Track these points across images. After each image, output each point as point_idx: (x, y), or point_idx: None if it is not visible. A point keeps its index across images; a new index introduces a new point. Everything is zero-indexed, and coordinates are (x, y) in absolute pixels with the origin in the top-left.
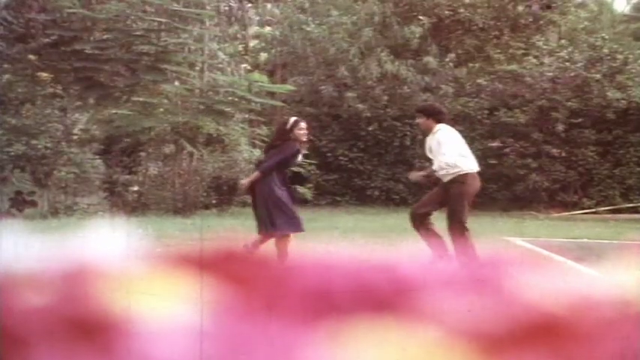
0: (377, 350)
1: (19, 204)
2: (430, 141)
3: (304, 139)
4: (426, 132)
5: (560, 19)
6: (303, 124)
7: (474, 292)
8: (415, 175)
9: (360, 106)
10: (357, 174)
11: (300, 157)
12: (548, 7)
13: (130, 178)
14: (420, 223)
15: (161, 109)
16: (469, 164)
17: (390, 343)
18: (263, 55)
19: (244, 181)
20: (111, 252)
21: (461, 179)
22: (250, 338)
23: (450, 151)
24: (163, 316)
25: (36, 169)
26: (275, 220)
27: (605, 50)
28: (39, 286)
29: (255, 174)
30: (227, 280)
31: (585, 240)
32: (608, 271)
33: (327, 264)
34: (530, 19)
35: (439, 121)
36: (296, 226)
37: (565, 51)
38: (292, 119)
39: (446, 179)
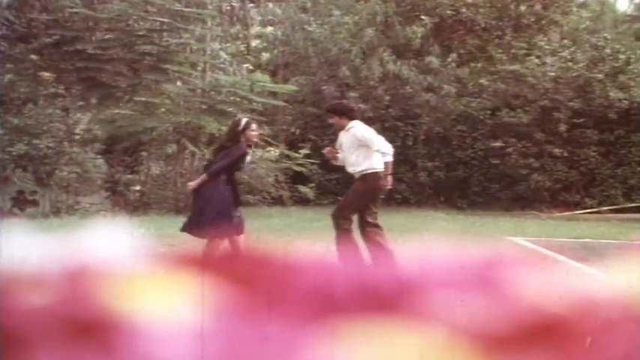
0: (379, 350)
1: (21, 203)
2: (342, 137)
3: (255, 140)
4: (339, 130)
5: (563, 19)
6: (254, 126)
7: (476, 293)
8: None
9: (363, 106)
10: None
11: (247, 159)
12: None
13: (131, 177)
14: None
15: (163, 109)
16: (380, 162)
17: (393, 343)
18: (265, 55)
19: (192, 184)
20: (113, 251)
21: (370, 177)
22: (253, 339)
23: (381, 141)
24: (166, 316)
25: (38, 169)
26: (205, 222)
27: (608, 50)
28: (41, 286)
29: (203, 177)
30: (230, 280)
31: (588, 240)
32: (611, 271)
33: (328, 263)
34: (533, 19)
35: (351, 119)
36: (236, 228)
37: (567, 51)
38: (244, 120)
39: (356, 175)
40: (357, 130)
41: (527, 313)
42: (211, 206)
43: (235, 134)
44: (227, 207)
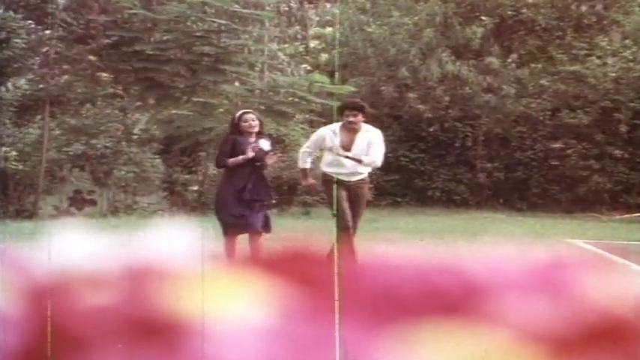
0: (446, 353)
1: (79, 203)
2: (355, 138)
3: (250, 130)
4: (356, 130)
5: (624, 19)
6: (248, 116)
7: (540, 295)
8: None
9: (421, 106)
10: (418, 175)
11: (248, 148)
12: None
13: (189, 177)
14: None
15: (221, 110)
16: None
17: (461, 345)
18: (323, 56)
19: None
20: (172, 251)
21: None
22: (317, 339)
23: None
24: (230, 316)
25: (95, 169)
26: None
27: None
28: (100, 286)
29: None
30: (292, 279)
31: None
32: None
33: (392, 265)
34: (594, 19)
35: (366, 120)
36: (242, 227)
37: (629, 51)
38: (239, 112)
39: (353, 180)
40: (376, 136)
41: (591, 315)
42: (221, 205)
43: (232, 127)
44: (223, 204)
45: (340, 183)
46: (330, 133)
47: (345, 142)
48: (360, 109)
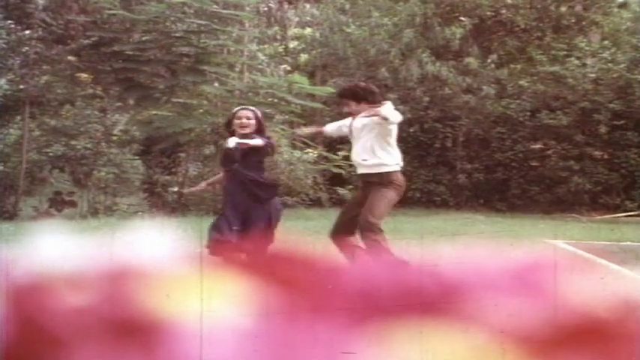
0: (425, 353)
1: (58, 204)
2: (364, 119)
3: (242, 130)
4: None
5: (603, 20)
6: (241, 113)
7: (518, 296)
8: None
9: (401, 107)
10: None
11: (233, 147)
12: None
13: (169, 178)
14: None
15: (201, 110)
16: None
17: (439, 346)
18: (303, 57)
19: None
20: (151, 252)
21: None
22: (295, 341)
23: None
24: (205, 317)
25: (75, 170)
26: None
27: None
28: (79, 287)
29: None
30: (271, 281)
31: (628, 243)
32: None
33: (370, 265)
34: (573, 20)
35: (373, 103)
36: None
37: (608, 52)
38: (235, 109)
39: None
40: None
41: (568, 316)
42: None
43: (227, 125)
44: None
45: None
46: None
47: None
48: (351, 96)
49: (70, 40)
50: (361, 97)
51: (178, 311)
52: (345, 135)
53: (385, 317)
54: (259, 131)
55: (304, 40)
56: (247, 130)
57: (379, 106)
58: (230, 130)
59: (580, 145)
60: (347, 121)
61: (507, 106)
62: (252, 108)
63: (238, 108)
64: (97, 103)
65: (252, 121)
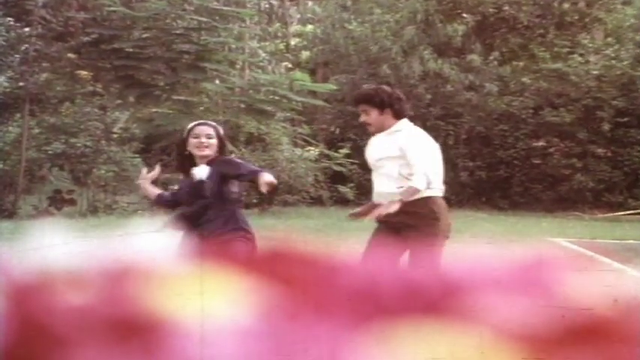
0: (425, 352)
1: (58, 202)
2: (384, 143)
3: (199, 152)
4: (377, 130)
5: (607, 17)
6: (199, 130)
7: (520, 294)
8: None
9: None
10: None
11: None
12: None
13: (170, 176)
14: None
15: (201, 108)
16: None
17: (440, 345)
18: (304, 54)
19: None
20: (152, 250)
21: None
22: (297, 339)
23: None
24: (208, 316)
25: (75, 168)
26: None
27: None
28: (78, 286)
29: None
30: (271, 280)
31: (631, 241)
32: None
33: (370, 264)
34: (576, 17)
35: (398, 116)
36: None
37: (611, 49)
38: (189, 126)
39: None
40: (409, 137)
41: (571, 314)
42: None
43: (180, 146)
44: None
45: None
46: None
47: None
48: (372, 102)
49: (70, 37)
50: (385, 104)
51: (178, 310)
52: None
53: (386, 317)
54: (221, 153)
55: (306, 38)
56: (207, 152)
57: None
58: (182, 152)
59: (583, 142)
60: None
61: (510, 103)
62: (212, 123)
63: (195, 123)
64: (96, 101)
65: (214, 141)
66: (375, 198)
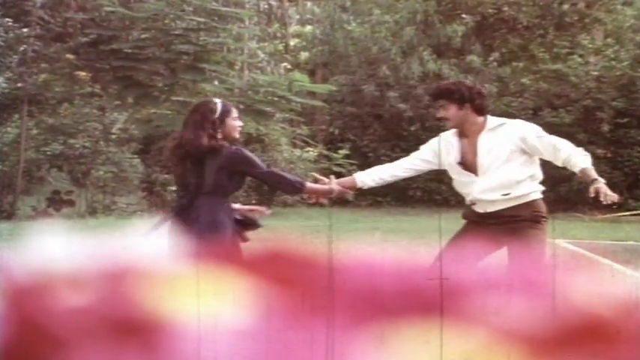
0: (427, 353)
1: (57, 203)
2: (492, 140)
3: (236, 135)
4: (455, 126)
5: (606, 17)
6: (234, 110)
7: (520, 295)
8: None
9: (402, 105)
10: None
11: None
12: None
13: (168, 177)
14: None
15: None
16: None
17: (439, 346)
18: (304, 55)
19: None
20: (151, 251)
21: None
22: (296, 340)
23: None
24: (204, 317)
25: (74, 169)
26: None
27: None
28: (77, 287)
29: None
30: (270, 281)
31: (631, 242)
32: None
33: (369, 265)
34: (576, 18)
35: (479, 112)
36: None
37: (611, 50)
38: (218, 102)
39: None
40: (514, 132)
41: (572, 315)
42: None
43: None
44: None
45: (473, 214)
46: (445, 141)
47: (465, 153)
48: (451, 97)
49: (69, 37)
50: (466, 99)
51: (177, 311)
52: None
53: (386, 317)
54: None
55: (305, 38)
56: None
57: None
58: (213, 133)
59: (583, 143)
60: (427, 151)
61: (509, 104)
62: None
63: (218, 100)
64: (95, 102)
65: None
66: (480, 207)
